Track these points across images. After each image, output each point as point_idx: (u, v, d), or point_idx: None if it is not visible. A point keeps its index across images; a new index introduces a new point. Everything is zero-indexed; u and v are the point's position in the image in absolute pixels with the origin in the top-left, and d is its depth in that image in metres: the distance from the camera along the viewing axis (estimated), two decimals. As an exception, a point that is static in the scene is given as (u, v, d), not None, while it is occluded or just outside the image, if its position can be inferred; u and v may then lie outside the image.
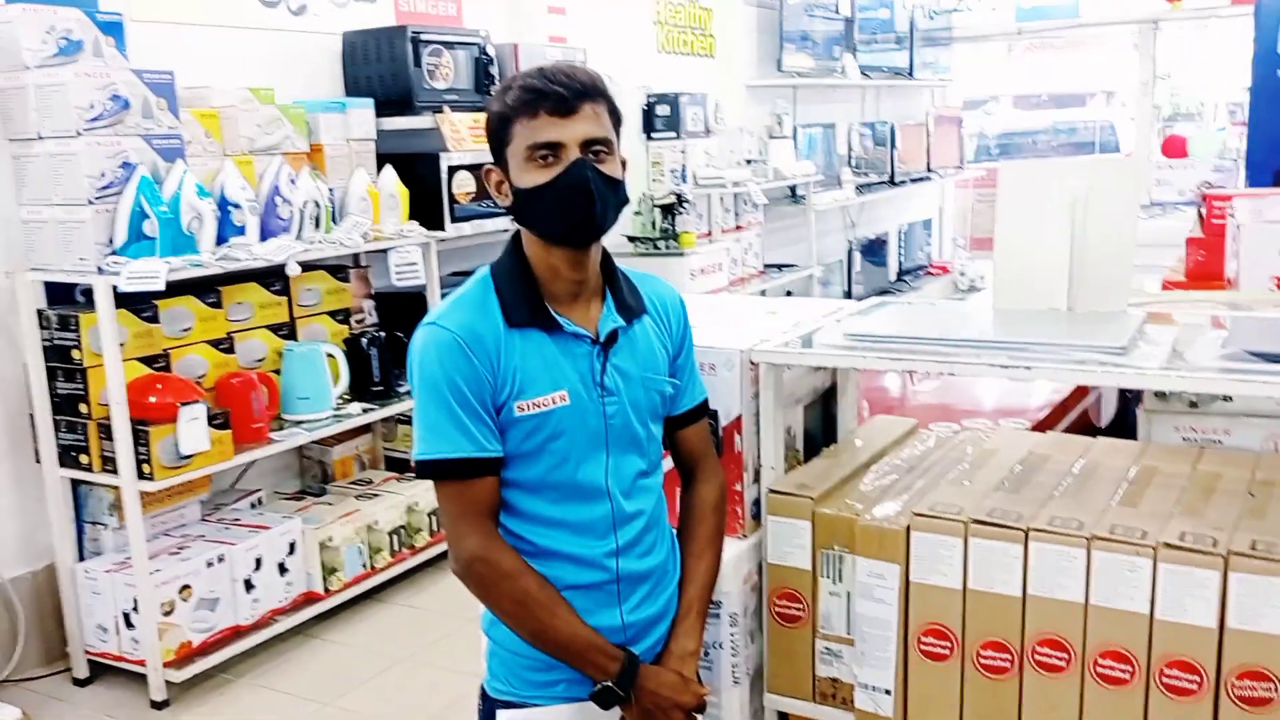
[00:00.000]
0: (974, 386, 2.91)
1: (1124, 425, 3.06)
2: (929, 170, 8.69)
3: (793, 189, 6.92)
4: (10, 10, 3.13)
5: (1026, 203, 1.94)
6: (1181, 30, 9.14)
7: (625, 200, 1.65)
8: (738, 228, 6.37)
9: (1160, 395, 2.03)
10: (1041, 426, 2.64)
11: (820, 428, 2.11)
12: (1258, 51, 4.14)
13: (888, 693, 1.77)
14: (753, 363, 1.84)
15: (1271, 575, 1.50)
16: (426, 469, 1.59)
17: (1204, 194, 2.86)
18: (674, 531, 1.78)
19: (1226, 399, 1.98)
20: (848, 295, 7.66)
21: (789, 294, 6.84)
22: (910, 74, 8.53)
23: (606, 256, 1.71)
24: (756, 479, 1.89)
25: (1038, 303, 1.94)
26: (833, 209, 7.51)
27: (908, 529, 1.71)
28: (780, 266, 6.81)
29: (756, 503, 1.91)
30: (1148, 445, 1.99)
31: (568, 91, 1.55)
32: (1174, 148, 7.15)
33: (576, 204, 1.56)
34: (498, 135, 1.62)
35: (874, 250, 8.16)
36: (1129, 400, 3.19)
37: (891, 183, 8.09)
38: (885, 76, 8.23)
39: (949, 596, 1.70)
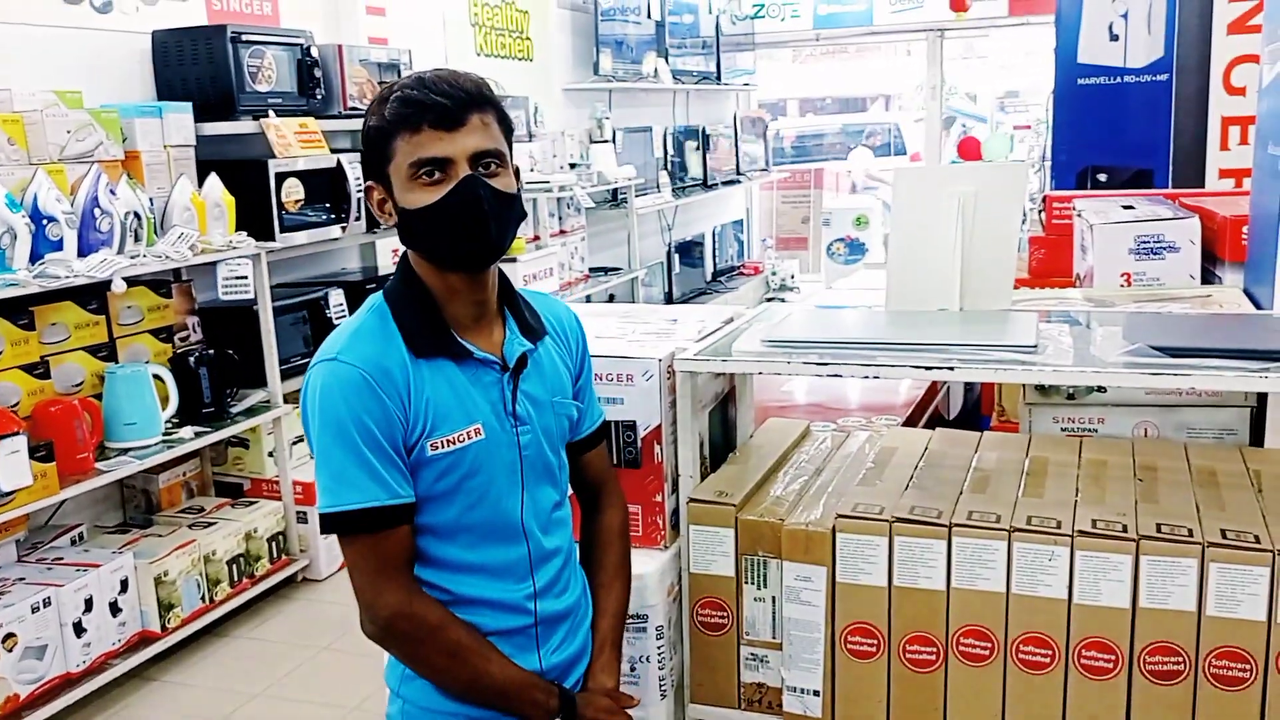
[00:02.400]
0: (840, 386, 2.99)
1: (972, 418, 3.22)
2: (738, 173, 8.91)
3: (614, 192, 6.95)
4: None
5: (918, 208, 2.00)
6: (962, 39, 9.69)
7: (522, 215, 1.55)
8: (562, 232, 6.35)
9: (1040, 389, 2.13)
10: (909, 422, 2.74)
11: (720, 433, 2.12)
12: (1059, 60, 4.43)
13: (816, 694, 1.78)
14: (670, 371, 1.82)
15: (1178, 556, 1.59)
16: (335, 522, 1.45)
17: (1045, 195, 3.05)
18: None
19: (1101, 390, 2.09)
20: (668, 297, 7.76)
21: (612, 298, 6.88)
22: (718, 79, 8.72)
23: (502, 275, 1.60)
24: (675, 488, 1.87)
25: (930, 303, 2.00)
26: (650, 212, 7.59)
27: (834, 530, 1.73)
28: (605, 270, 6.82)
29: (675, 512, 1.89)
30: (1032, 436, 2.09)
31: (452, 102, 1.42)
32: (969, 150, 7.59)
33: (470, 225, 1.44)
34: (376, 151, 1.47)
35: (689, 251, 8.30)
36: (972, 394, 3.35)
37: (705, 186, 8.25)
38: (694, 81, 8.38)
39: (875, 595, 1.73)
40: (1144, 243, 2.37)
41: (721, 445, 2.11)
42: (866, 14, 9.02)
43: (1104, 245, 2.40)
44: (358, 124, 4.59)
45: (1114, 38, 4.33)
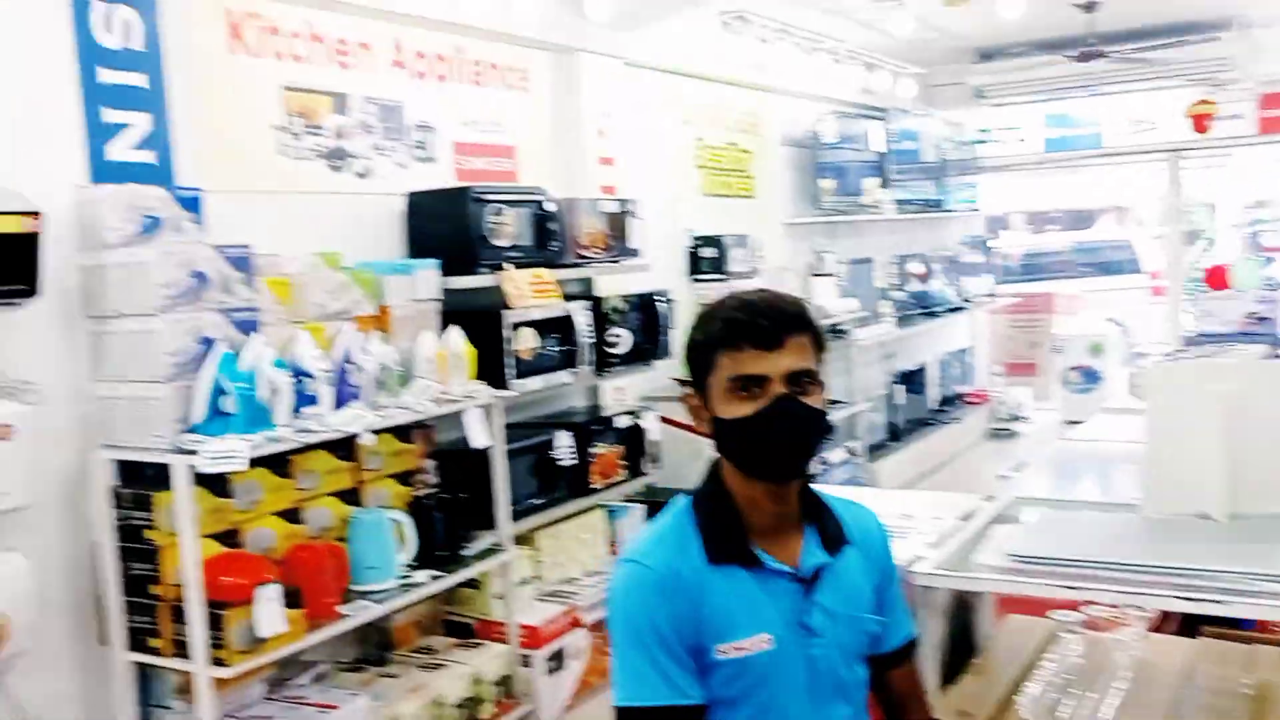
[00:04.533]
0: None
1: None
2: (963, 299, 8.71)
3: (833, 326, 6.91)
4: (96, 191, 3.14)
5: (1174, 405, 1.88)
6: (1203, 159, 9.24)
7: (830, 430, 1.61)
8: (783, 366, 6.34)
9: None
10: (1159, 624, 2.53)
11: (958, 629, 2.02)
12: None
13: None
14: (907, 582, 1.76)
15: None
16: (628, 717, 1.52)
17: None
18: None
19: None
20: (891, 427, 7.60)
21: (833, 429, 6.79)
22: (941, 205, 8.61)
23: (808, 486, 1.65)
24: (913, 705, 1.79)
25: (1191, 506, 1.86)
26: (871, 342, 7.50)
27: (1089, 767, 1.61)
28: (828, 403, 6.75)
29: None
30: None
31: (772, 324, 1.54)
32: (1217, 279, 7.16)
33: (779, 440, 1.53)
34: (698, 362, 1.60)
35: (912, 380, 8.12)
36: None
37: (928, 314, 8.09)
38: (917, 209, 8.30)
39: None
40: None
41: (962, 648, 2.02)
42: (1095, 138, 8.74)
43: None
44: (588, 272, 4.79)
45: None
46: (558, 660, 4.19)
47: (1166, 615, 2.63)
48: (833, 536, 1.60)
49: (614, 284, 4.98)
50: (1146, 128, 8.52)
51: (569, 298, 4.54)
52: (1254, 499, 1.84)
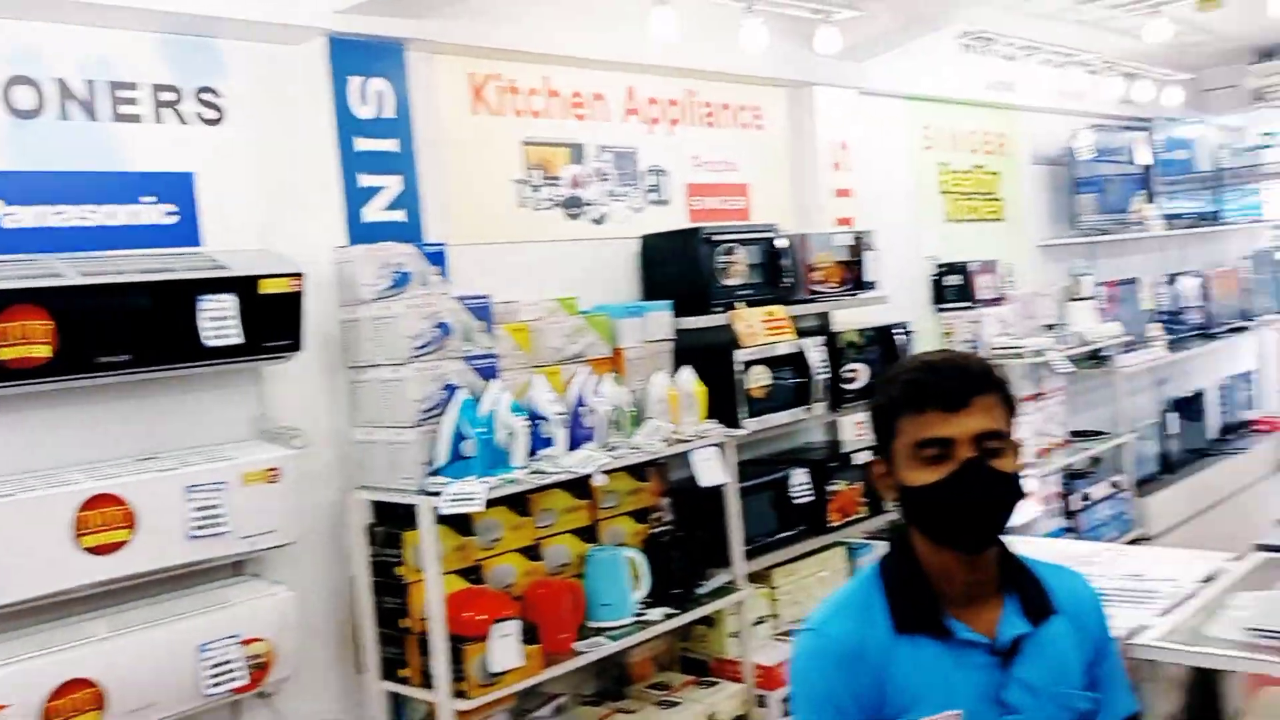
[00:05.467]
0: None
1: None
2: (1245, 318, 8.00)
3: (1095, 350, 6.52)
4: (353, 250, 3.40)
5: None
6: None
7: (1021, 496, 1.52)
8: (1038, 395, 6.04)
9: None
10: None
11: (1198, 707, 1.85)
12: None
13: None
14: (1129, 655, 1.64)
15: None
16: None
17: None
18: None
19: None
20: (1164, 459, 7.07)
21: (1096, 460, 6.39)
22: (1218, 217, 7.96)
23: (1006, 552, 1.56)
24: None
25: None
26: (1139, 368, 7.01)
27: None
28: (1088, 434, 6.37)
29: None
30: None
31: (956, 384, 1.47)
32: None
33: (968, 507, 1.45)
34: (882, 427, 1.55)
35: (1188, 408, 7.52)
36: None
37: (1205, 335, 7.49)
38: (1189, 223, 7.71)
39: None
40: None
41: (1201, 714, 1.85)
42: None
43: None
44: (821, 307, 4.74)
45: None
46: (795, 701, 4.14)
47: None
48: (1036, 605, 1.49)
49: (852, 317, 4.91)
50: None
51: (804, 333, 4.51)
52: None
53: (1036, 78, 6.19)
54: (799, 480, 4.48)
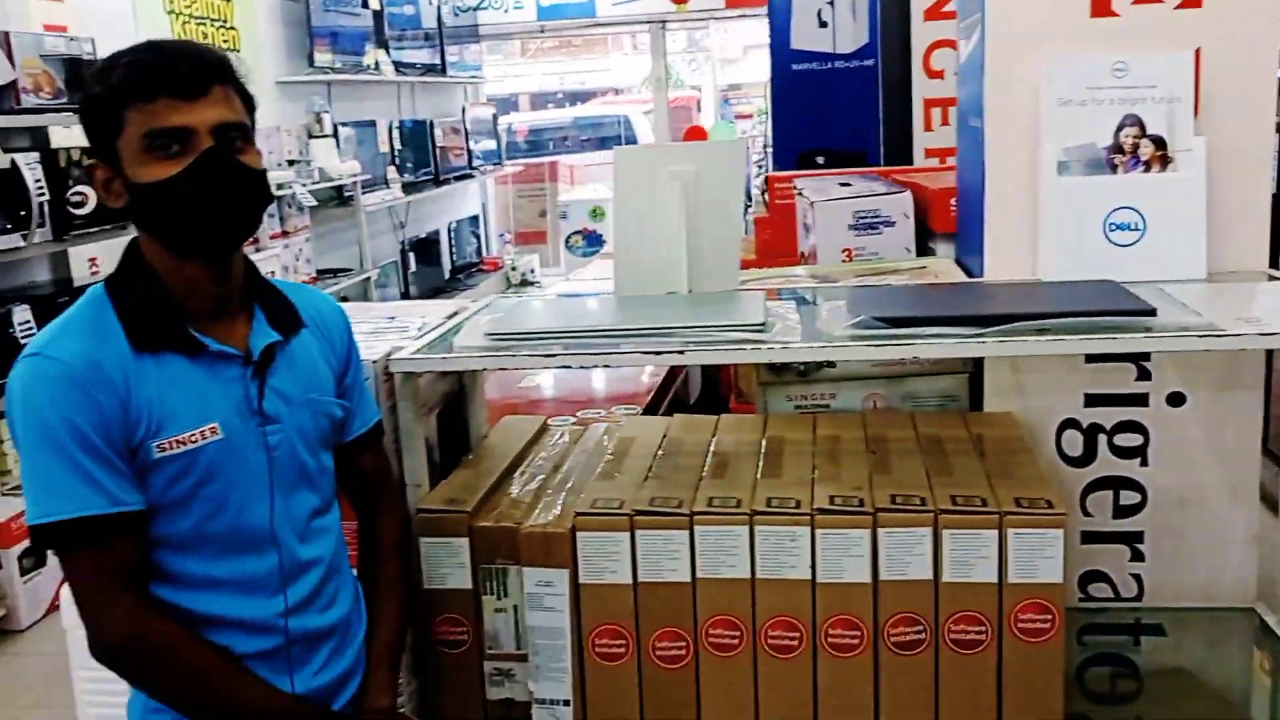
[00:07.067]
0: (581, 377, 2.91)
1: (713, 401, 3.22)
2: (471, 167, 8.74)
3: (339, 189, 6.64)
4: None
5: (640, 188, 1.93)
6: (684, 29, 9.92)
7: (270, 197, 1.41)
8: (284, 233, 6.00)
9: (773, 368, 2.12)
10: (650, 409, 2.69)
11: (453, 436, 1.99)
12: (774, 47, 4.53)
13: (566, 704, 1.69)
14: (389, 373, 1.67)
15: (912, 526, 1.60)
16: (49, 535, 1.27)
17: (767, 176, 3.08)
18: (355, 575, 1.58)
19: (831, 365, 2.10)
20: (404, 296, 7.52)
21: (344, 299, 6.58)
22: (443, 71, 8.51)
23: (251, 265, 1.45)
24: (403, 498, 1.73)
25: (660, 287, 1.94)
26: (380, 209, 7.31)
27: (573, 530, 1.64)
28: (335, 272, 6.52)
29: (405, 526, 1.75)
30: (768, 416, 2.07)
31: (194, 70, 1.30)
32: (696, 138, 7.75)
33: (214, 201, 1.31)
34: (101, 123, 1.32)
35: (425, 249, 8.07)
36: (711, 376, 3.36)
37: (437, 181, 8.03)
38: (419, 73, 8.14)
39: (620, 594, 1.65)
40: (862, 218, 2.41)
41: (455, 449, 1.99)
42: (589, 5, 9.04)
43: (824, 222, 2.42)
44: (33, 120, 4.15)
45: (823, 24, 4.47)
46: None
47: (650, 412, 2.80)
48: (284, 318, 1.45)
49: (77, 135, 4.37)
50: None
51: (12, 151, 3.92)
52: (711, 277, 1.95)
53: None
54: (21, 319, 3.95)
